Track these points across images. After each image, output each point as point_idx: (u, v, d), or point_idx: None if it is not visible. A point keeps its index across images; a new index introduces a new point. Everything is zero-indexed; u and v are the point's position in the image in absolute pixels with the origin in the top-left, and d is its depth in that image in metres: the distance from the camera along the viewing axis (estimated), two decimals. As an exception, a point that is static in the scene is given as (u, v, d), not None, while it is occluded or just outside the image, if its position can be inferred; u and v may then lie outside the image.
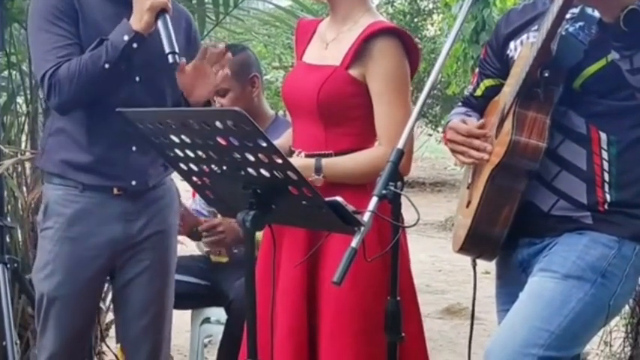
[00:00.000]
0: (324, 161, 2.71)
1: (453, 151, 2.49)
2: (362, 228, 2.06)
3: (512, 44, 2.53)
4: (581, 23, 2.31)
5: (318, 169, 2.70)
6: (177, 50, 2.69)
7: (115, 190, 2.93)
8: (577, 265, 2.32)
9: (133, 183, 2.94)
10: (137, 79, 2.89)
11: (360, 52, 2.71)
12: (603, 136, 2.34)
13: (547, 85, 2.31)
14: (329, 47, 2.82)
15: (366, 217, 2.08)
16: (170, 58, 2.69)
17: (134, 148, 2.92)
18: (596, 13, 2.25)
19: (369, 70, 2.71)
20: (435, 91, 13.41)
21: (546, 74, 2.30)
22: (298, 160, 2.70)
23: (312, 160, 2.71)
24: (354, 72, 2.73)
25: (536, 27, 2.44)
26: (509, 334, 2.33)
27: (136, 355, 3.09)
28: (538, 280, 2.35)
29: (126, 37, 2.75)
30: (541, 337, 2.28)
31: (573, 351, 2.36)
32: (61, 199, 2.95)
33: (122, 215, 2.95)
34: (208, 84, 2.85)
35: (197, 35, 3.12)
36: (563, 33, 2.28)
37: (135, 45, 2.76)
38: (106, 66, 2.75)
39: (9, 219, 3.85)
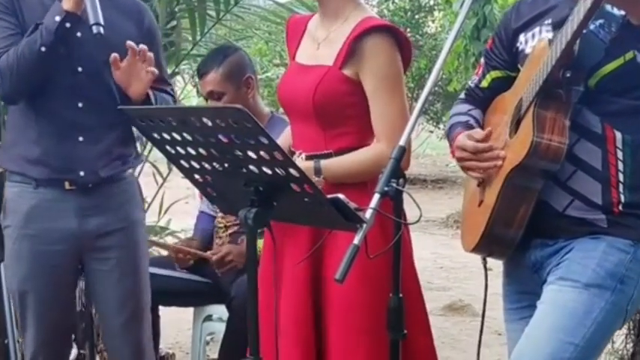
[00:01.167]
0: (323, 163, 2.70)
1: (464, 168, 2.46)
2: (364, 225, 2.06)
3: (522, 37, 2.49)
4: (601, 21, 2.27)
5: (317, 171, 2.70)
6: (101, 22, 2.71)
7: (67, 185, 2.95)
8: (597, 274, 2.30)
9: (81, 174, 2.95)
10: (79, 69, 2.92)
11: (351, 51, 2.71)
12: (618, 135, 2.31)
13: (568, 86, 2.29)
14: (321, 47, 2.81)
15: (368, 214, 2.08)
16: (94, 29, 2.71)
17: (81, 139, 2.94)
18: (616, 11, 2.23)
19: (361, 68, 2.71)
20: (437, 88, 13.35)
21: (568, 75, 2.28)
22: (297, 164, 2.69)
23: (311, 163, 2.71)
24: (347, 71, 2.72)
25: (549, 20, 2.40)
26: (533, 347, 2.30)
27: (119, 353, 3.09)
28: (559, 290, 2.32)
29: (57, 18, 2.78)
30: (566, 350, 2.26)
31: None
32: (17, 196, 2.99)
33: (78, 211, 2.97)
34: (141, 80, 2.88)
35: (152, 27, 3.10)
36: (584, 31, 2.24)
37: (68, 25, 2.79)
38: (42, 49, 2.78)
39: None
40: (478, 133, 2.44)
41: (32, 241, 2.96)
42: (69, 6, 2.78)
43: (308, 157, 2.76)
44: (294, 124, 2.87)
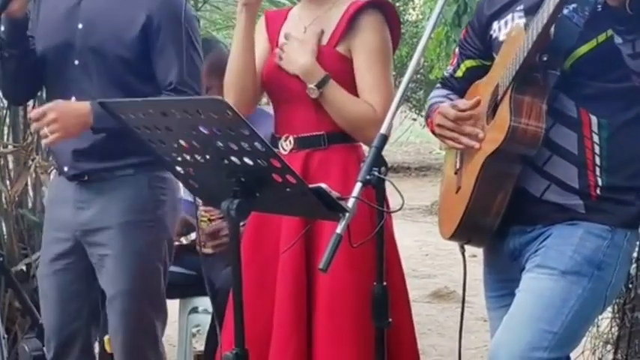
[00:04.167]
0: (332, 80, 2.72)
1: (442, 136, 2.44)
2: (346, 214, 2.06)
3: (495, 25, 2.50)
4: (574, 5, 2.28)
5: (325, 80, 2.71)
6: None
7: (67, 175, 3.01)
8: (574, 260, 2.30)
9: (65, 169, 3.00)
10: (76, 62, 2.95)
11: (349, 28, 2.75)
12: (594, 119, 2.31)
13: (545, 70, 2.29)
14: (308, 30, 2.83)
15: (350, 203, 2.08)
16: None
17: None
18: None
19: (355, 43, 2.76)
20: (418, 76, 13.40)
21: (545, 58, 2.28)
22: (308, 58, 2.73)
23: (322, 71, 2.72)
24: (341, 48, 2.77)
25: (521, 7, 2.41)
26: (513, 336, 2.31)
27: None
28: (536, 277, 2.32)
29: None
30: (545, 338, 2.27)
31: (573, 347, 2.37)
32: (49, 183, 3.21)
33: (74, 202, 2.99)
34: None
35: (163, 15, 2.92)
36: (558, 16, 2.25)
37: (2, 28, 2.88)
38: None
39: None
40: (463, 102, 2.45)
41: (46, 226, 3.11)
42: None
43: (297, 140, 2.78)
44: (281, 108, 2.87)
